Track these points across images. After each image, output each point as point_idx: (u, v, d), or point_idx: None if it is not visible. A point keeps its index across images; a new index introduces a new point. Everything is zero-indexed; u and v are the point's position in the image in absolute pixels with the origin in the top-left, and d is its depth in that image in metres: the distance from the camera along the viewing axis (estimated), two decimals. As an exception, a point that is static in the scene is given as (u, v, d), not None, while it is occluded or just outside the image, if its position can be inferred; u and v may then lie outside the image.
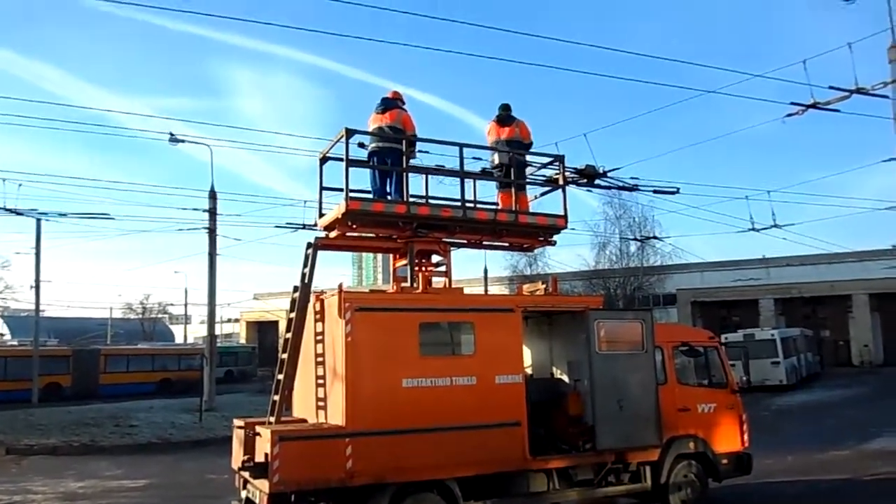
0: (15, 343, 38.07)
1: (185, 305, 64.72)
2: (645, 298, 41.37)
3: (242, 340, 62.94)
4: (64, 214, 21.39)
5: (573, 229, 9.83)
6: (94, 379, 35.98)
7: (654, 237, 30.61)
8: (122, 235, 55.91)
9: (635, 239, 36.80)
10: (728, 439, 9.72)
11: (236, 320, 69.97)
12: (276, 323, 56.53)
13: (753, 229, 19.32)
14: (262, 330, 62.60)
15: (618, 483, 8.91)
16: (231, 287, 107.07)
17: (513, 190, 9.17)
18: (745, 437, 9.90)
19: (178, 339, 63.76)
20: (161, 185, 71.08)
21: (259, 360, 49.94)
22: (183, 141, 24.50)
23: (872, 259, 41.76)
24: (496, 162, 9.41)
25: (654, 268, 43.06)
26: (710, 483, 9.51)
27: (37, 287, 32.07)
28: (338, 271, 37.51)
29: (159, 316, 70.61)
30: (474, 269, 42.89)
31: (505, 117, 9.49)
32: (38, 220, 29.68)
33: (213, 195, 25.16)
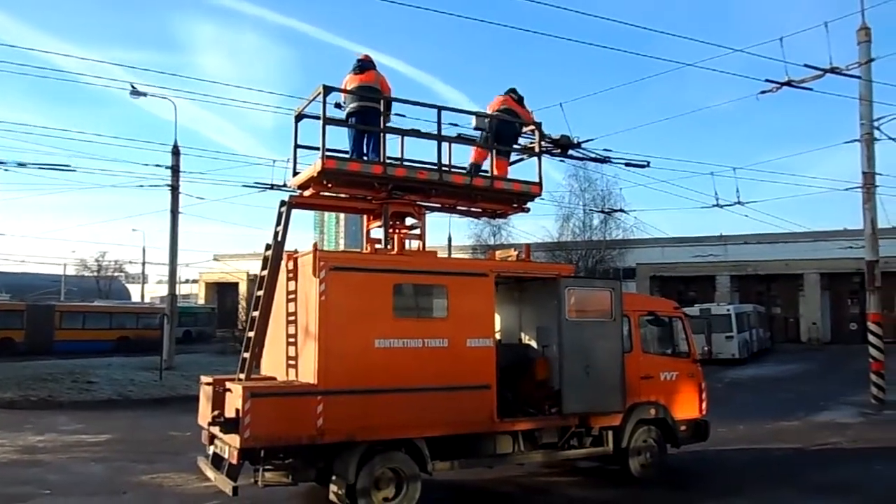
0: (-36, 298, 37.07)
1: (143, 264, 63.60)
2: (605, 272, 41.87)
3: (201, 301, 62.04)
4: (23, 164, 20.59)
5: (542, 200, 9.88)
6: (49, 335, 35.29)
7: (620, 210, 30.94)
8: (78, 190, 54.39)
9: (601, 211, 37.18)
10: (687, 407, 10.03)
11: (195, 281, 68.88)
12: (235, 285, 55.87)
13: (718, 205, 19.67)
14: (222, 291, 61.69)
15: (580, 446, 9.16)
16: (191, 247, 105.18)
17: (491, 154, 9.17)
18: (704, 405, 10.23)
19: (135, 299, 62.62)
20: (123, 136, 68.37)
21: (218, 322, 49.47)
22: (145, 94, 23.79)
23: (825, 239, 42.84)
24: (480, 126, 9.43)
25: (615, 241, 43.64)
26: (669, 448, 9.83)
27: (-11, 240, 31.19)
28: (299, 236, 36.99)
29: (115, 274, 69.17)
30: (438, 237, 42.84)
31: (517, 97, 9.61)
32: (-9, 171, 28.76)
33: (176, 151, 24.59)
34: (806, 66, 10.10)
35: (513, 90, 9.73)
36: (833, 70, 10.26)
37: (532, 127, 9.72)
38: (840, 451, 11.95)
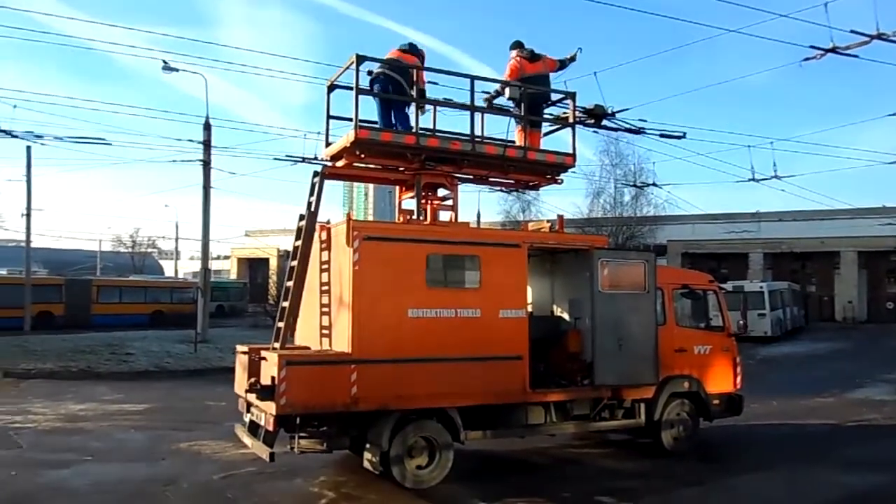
0: (3, 272, 37.98)
1: (176, 240, 64.60)
2: (636, 248, 41.58)
3: (233, 277, 62.90)
4: (60, 138, 20.99)
5: (573, 173, 9.75)
6: (87, 309, 36.06)
7: (652, 184, 30.52)
8: (112, 166, 55.24)
9: (633, 185, 36.76)
10: (721, 381, 9.93)
11: (226, 257, 69.82)
12: (266, 260, 56.49)
13: (754, 179, 19.30)
14: (253, 267, 62.49)
15: (612, 418, 9.13)
16: (221, 224, 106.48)
17: (524, 126, 9.08)
18: (738, 379, 10.12)
19: (168, 274, 63.68)
20: (156, 109, 68.90)
21: (249, 297, 50.12)
22: (176, 70, 24.00)
23: (863, 216, 41.92)
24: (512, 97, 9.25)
25: (646, 218, 43.14)
26: (702, 422, 9.77)
27: (28, 215, 31.90)
28: (328, 210, 37.25)
29: (149, 250, 70.37)
30: (468, 213, 42.76)
31: (534, 54, 9.27)
32: (29, 147, 29.35)
33: (207, 126, 24.78)
34: (852, 31, 9.78)
35: (517, 44, 9.31)
36: (880, 36, 9.92)
37: (566, 95, 9.50)
38: (876, 428, 11.78)
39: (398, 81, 8.44)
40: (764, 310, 29.56)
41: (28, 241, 32.69)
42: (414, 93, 8.52)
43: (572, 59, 9.52)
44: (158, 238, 69.97)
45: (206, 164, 24.75)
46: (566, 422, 8.76)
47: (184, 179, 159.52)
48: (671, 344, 9.36)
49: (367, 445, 7.50)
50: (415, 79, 8.52)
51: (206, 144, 24.69)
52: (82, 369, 17.44)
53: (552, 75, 9.45)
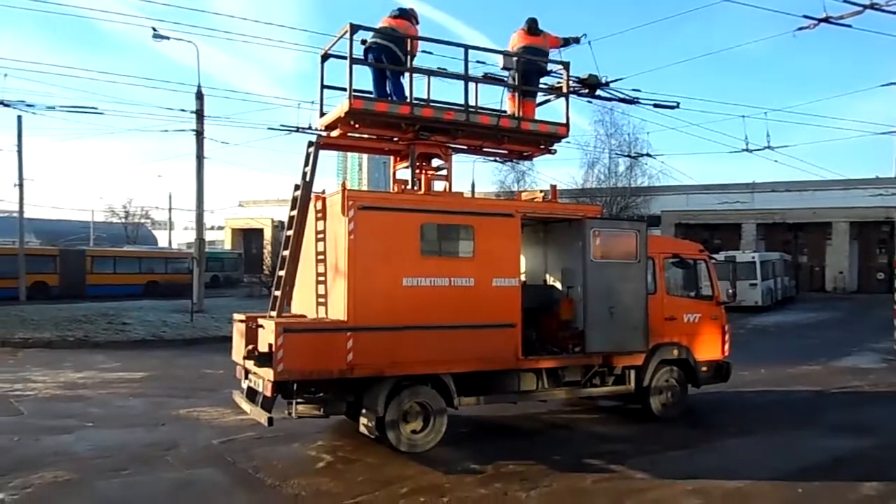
0: (-4, 243, 37.97)
1: (170, 210, 64.47)
2: (630, 219, 41.73)
3: (228, 247, 62.92)
4: (52, 107, 20.97)
5: (567, 142, 9.82)
6: (81, 279, 36.12)
7: (647, 154, 30.59)
8: (104, 135, 54.83)
9: (627, 156, 36.90)
10: (710, 348, 10.15)
11: (220, 228, 69.76)
12: (261, 231, 56.53)
13: (747, 150, 19.41)
14: (247, 237, 62.58)
15: (602, 385, 9.33)
16: (215, 193, 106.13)
17: (517, 95, 9.12)
18: (726, 347, 10.34)
19: (162, 245, 63.66)
20: (149, 79, 68.46)
21: (244, 267, 50.24)
22: (167, 38, 23.85)
23: (855, 187, 42.19)
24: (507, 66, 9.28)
25: (640, 188, 43.35)
26: (690, 389, 10.00)
27: (20, 185, 31.78)
28: (322, 181, 37.06)
29: (142, 221, 70.20)
30: (462, 184, 42.75)
31: (535, 28, 9.29)
32: (20, 117, 29.15)
33: (199, 95, 24.73)
34: (845, 1, 9.81)
35: (531, 23, 9.34)
36: (873, 6, 9.96)
37: (560, 64, 9.56)
38: (860, 394, 12.06)
39: (392, 50, 8.45)
40: (755, 280, 29.83)
41: (21, 211, 32.60)
42: (408, 62, 8.54)
43: (576, 40, 9.66)
44: (152, 208, 69.80)
45: (199, 134, 24.70)
46: (557, 388, 8.95)
47: (176, 149, 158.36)
48: (661, 312, 9.54)
49: (363, 411, 7.66)
50: (409, 47, 8.52)
51: (199, 114, 24.61)
52: (79, 338, 17.59)
53: (553, 52, 9.48)
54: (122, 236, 59.83)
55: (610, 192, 41.81)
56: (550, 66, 9.56)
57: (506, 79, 9.48)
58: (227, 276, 47.16)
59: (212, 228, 67.29)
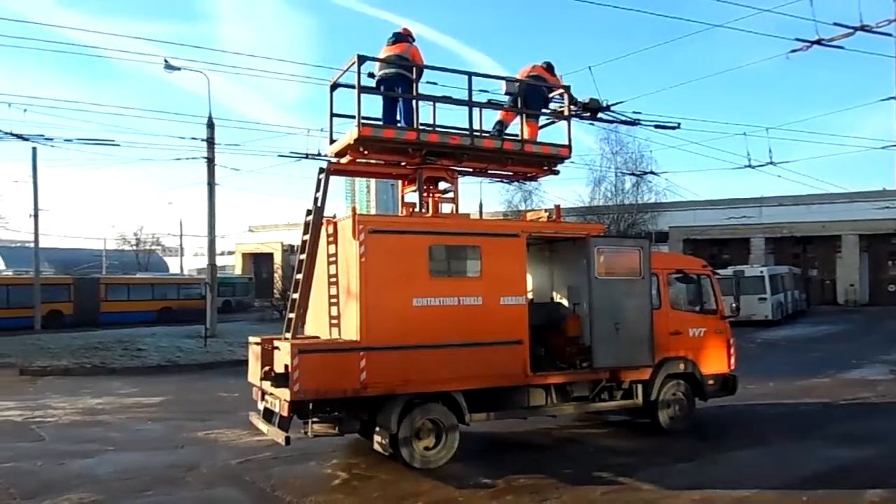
0: (10, 273, 38.46)
1: (181, 236, 65.08)
2: (638, 236, 41.89)
3: (238, 272, 63.37)
4: (70, 140, 21.41)
5: (572, 162, 10.12)
6: (95, 307, 36.55)
7: (652, 172, 30.82)
8: (117, 165, 55.69)
9: (632, 174, 37.07)
10: (715, 362, 10.30)
11: (231, 252, 70.32)
12: (271, 255, 56.98)
13: (750, 166, 19.57)
14: (258, 262, 63.05)
15: (611, 399, 9.51)
16: (225, 219, 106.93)
17: (522, 119, 9.43)
18: (732, 360, 10.49)
19: (173, 271, 64.19)
20: (160, 110, 69.58)
21: (255, 292, 50.57)
22: (178, 69, 24.35)
23: (863, 200, 42.12)
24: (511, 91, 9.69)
25: (647, 205, 43.50)
26: (697, 402, 10.14)
27: (35, 216, 32.34)
28: (331, 204, 37.22)
29: (153, 248, 70.86)
30: (470, 204, 43.08)
31: (550, 68, 9.86)
32: (35, 149, 29.77)
33: (210, 124, 25.20)
34: (835, 24, 10.09)
35: (547, 63, 9.94)
36: (863, 28, 10.23)
37: (561, 91, 9.93)
38: (868, 406, 12.14)
39: (406, 77, 8.82)
40: (765, 294, 29.82)
41: (36, 241, 33.13)
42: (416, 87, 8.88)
43: (601, 108, 10.20)
44: (163, 235, 70.53)
45: (210, 162, 25.16)
46: (566, 403, 9.14)
47: (185, 178, 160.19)
48: (666, 327, 9.73)
49: (377, 428, 7.87)
50: (415, 75, 8.87)
51: (210, 142, 25.07)
52: (96, 365, 17.87)
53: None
54: (133, 263, 60.46)
55: (617, 210, 42.00)
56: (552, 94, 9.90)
57: (506, 104, 9.80)
58: (238, 301, 47.42)
59: (222, 253, 67.66)
